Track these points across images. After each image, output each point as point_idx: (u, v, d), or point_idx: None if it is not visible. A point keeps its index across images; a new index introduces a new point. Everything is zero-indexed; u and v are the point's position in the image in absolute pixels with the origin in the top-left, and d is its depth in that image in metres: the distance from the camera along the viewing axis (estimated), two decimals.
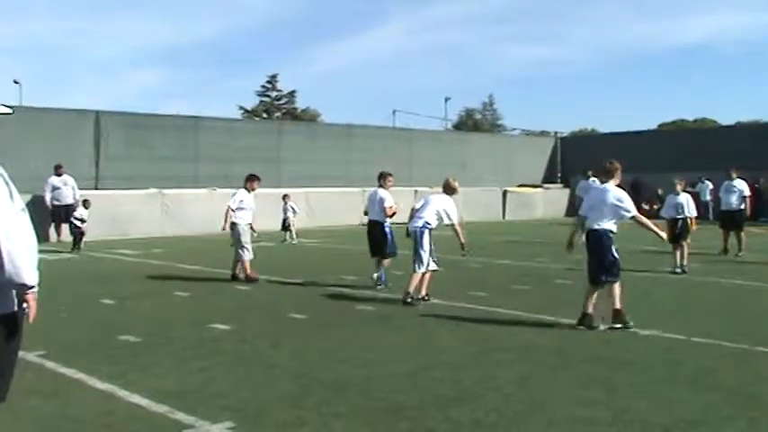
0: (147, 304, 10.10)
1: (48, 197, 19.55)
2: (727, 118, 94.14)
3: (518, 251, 17.21)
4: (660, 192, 29.96)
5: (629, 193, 17.75)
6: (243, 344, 7.57)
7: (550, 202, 34.07)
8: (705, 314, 9.40)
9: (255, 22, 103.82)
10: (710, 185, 29.01)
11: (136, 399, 5.53)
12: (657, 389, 5.85)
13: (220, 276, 12.68)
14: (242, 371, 6.45)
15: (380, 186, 11.69)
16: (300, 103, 63.16)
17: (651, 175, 30.66)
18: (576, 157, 35.64)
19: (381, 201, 11.42)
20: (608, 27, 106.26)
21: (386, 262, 11.46)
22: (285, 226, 20.41)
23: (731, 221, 16.43)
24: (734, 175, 16.87)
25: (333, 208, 25.33)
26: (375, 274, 11.37)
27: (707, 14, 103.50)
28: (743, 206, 16.44)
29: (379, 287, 11.19)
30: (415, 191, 28.81)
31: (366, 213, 12.00)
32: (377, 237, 11.41)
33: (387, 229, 11.40)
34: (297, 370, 6.47)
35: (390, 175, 11.79)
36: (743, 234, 16.18)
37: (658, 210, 27.77)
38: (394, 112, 51.79)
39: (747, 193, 16.75)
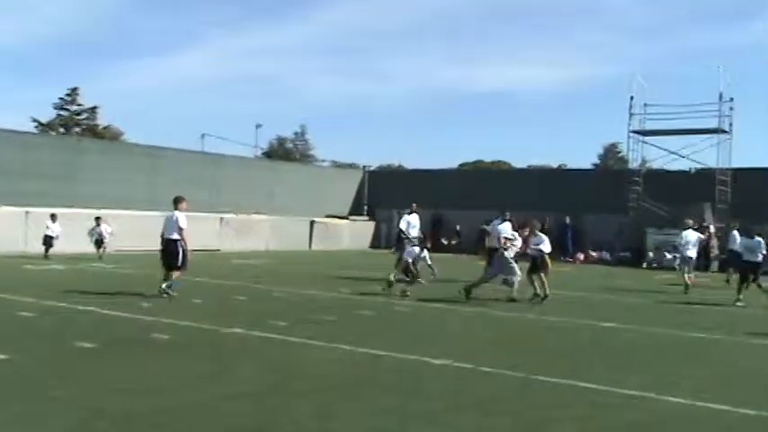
0: None
1: None
2: (519, 161, 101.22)
3: (323, 281, 17.38)
4: (458, 228, 31.69)
5: (431, 227, 18.38)
6: (21, 375, 6.99)
7: (357, 233, 34.82)
8: (493, 345, 10.00)
9: (57, 31, 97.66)
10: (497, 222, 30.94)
11: None
12: (448, 416, 6.12)
13: None
14: (19, 406, 5.94)
15: (176, 209, 13.28)
16: (102, 120, 60.13)
17: (451, 212, 32.34)
18: (383, 191, 36.83)
19: (177, 221, 13.08)
20: (419, 68, 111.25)
21: (175, 274, 12.96)
22: (99, 245, 21.37)
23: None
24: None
25: (134, 232, 24.21)
26: (164, 284, 12.76)
27: (511, 65, 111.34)
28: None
29: (164, 296, 12.59)
30: (221, 218, 28.34)
31: (163, 234, 13.32)
32: (171, 252, 13.01)
33: (179, 247, 12.99)
34: (81, 402, 6.08)
35: (184, 199, 13.51)
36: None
37: (457, 244, 29.32)
38: (203, 135, 50.64)
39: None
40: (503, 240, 14.16)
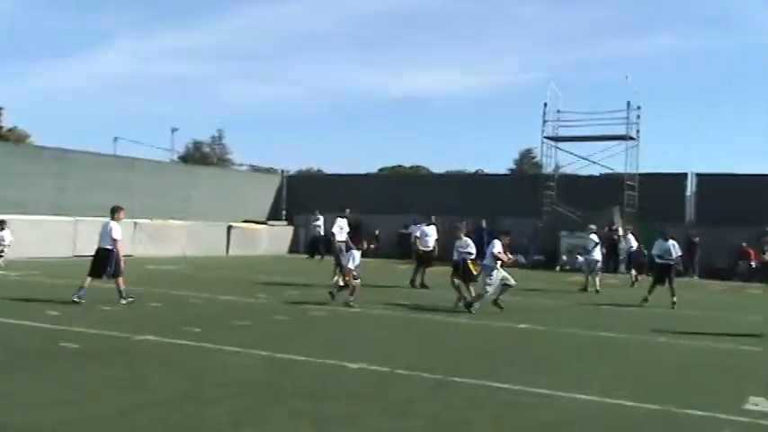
0: None
1: None
2: (438, 166, 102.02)
3: (239, 287, 17.14)
4: (377, 232, 31.78)
5: (351, 232, 17.92)
6: None
7: (275, 238, 34.50)
8: (410, 348, 10.06)
9: None
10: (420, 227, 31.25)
11: None
12: (363, 419, 6.13)
13: None
14: None
15: (112, 219, 13.37)
16: (7, 122, 57.59)
17: (370, 216, 32.40)
18: (302, 196, 36.63)
19: (111, 231, 13.16)
20: (336, 73, 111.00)
21: (121, 284, 13.00)
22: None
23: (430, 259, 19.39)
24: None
25: (41, 238, 23.32)
26: (123, 301, 12.80)
27: (428, 71, 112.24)
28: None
29: (130, 299, 12.85)
30: (135, 222, 27.58)
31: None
32: (102, 258, 13.05)
33: (111, 256, 13.02)
34: None
35: (121, 209, 13.72)
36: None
37: (376, 248, 29.46)
38: (115, 139, 49.03)
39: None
40: (501, 257, 13.95)
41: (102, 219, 25.91)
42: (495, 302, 13.97)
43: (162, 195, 30.51)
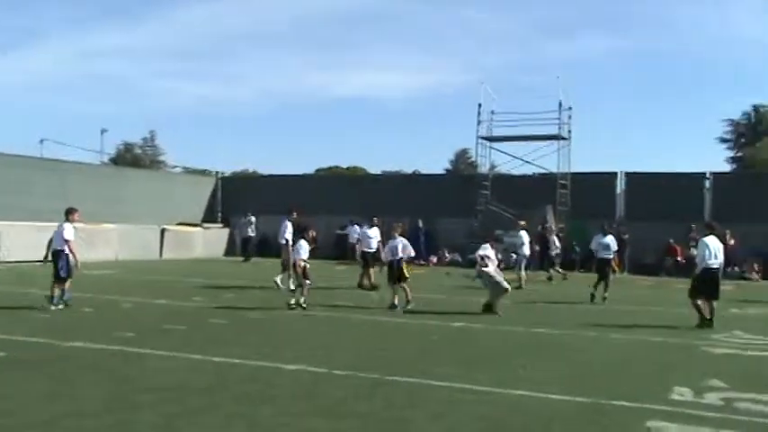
0: None
1: None
2: (375, 167, 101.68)
3: (174, 291, 16.84)
4: (314, 234, 31.60)
5: (295, 234, 17.39)
6: None
7: (210, 240, 34.02)
8: (347, 349, 10.07)
9: None
10: (359, 228, 31.28)
11: None
12: (298, 421, 6.11)
13: None
14: None
15: (66, 220, 13.29)
16: None
17: (307, 218, 32.23)
18: (237, 197, 36.20)
19: (62, 232, 13.11)
20: (271, 73, 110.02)
21: (66, 285, 12.98)
22: None
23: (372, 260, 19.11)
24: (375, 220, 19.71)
25: None
26: (59, 305, 12.71)
27: (364, 71, 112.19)
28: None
29: (59, 306, 12.68)
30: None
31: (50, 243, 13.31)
32: (56, 262, 13.02)
33: (63, 258, 13.00)
34: None
35: (76, 210, 13.58)
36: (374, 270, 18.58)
37: (313, 249, 29.28)
38: (42, 141, 47.54)
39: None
40: (479, 259, 14.10)
41: (29, 223, 25.47)
42: (489, 307, 13.96)
43: (92, 198, 29.68)
